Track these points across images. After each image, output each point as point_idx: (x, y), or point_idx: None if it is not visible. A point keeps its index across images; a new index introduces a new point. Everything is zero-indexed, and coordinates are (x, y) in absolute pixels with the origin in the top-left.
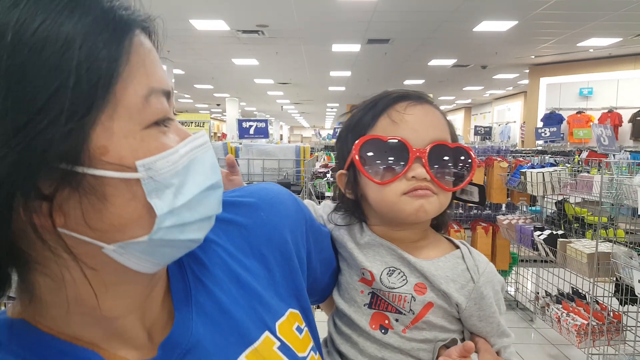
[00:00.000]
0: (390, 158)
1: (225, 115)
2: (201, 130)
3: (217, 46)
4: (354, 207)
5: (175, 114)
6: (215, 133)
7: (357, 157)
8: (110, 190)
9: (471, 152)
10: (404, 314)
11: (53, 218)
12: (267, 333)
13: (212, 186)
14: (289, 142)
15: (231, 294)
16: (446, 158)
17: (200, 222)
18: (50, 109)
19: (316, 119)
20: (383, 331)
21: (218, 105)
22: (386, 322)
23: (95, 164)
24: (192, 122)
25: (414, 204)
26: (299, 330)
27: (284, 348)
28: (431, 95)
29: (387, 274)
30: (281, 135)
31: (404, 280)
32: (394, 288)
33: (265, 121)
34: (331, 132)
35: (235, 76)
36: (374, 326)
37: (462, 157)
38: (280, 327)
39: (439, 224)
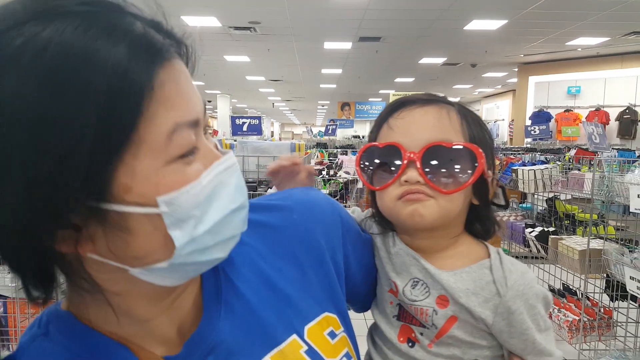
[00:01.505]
0: (386, 164)
1: (216, 112)
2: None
3: (209, 43)
4: (381, 217)
5: (208, 128)
6: None
7: (358, 167)
8: (133, 224)
9: (477, 151)
10: (428, 328)
11: (79, 246)
12: (294, 336)
13: (236, 209)
14: (280, 139)
15: (260, 295)
16: (445, 159)
17: (222, 243)
18: (74, 155)
19: (307, 116)
20: (410, 344)
21: (209, 102)
22: (413, 335)
23: (118, 201)
24: None
25: (408, 208)
26: (332, 335)
27: (311, 352)
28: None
29: (411, 286)
30: (272, 132)
31: (426, 292)
32: (415, 301)
33: (259, 118)
34: (322, 129)
35: (227, 73)
36: (401, 339)
37: (466, 157)
38: (310, 330)
39: (483, 232)
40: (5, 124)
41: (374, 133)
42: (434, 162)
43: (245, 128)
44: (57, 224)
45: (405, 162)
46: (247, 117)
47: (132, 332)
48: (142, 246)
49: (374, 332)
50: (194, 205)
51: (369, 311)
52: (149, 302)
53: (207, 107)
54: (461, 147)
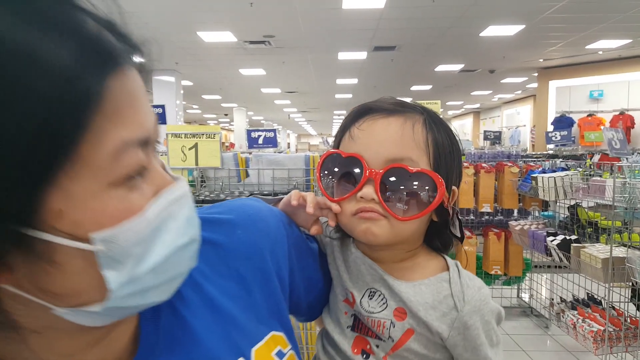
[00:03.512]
0: (345, 176)
1: (233, 125)
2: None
3: (225, 57)
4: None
5: (158, 144)
6: (223, 143)
7: (319, 172)
8: (61, 258)
9: (437, 180)
10: (384, 341)
11: None
12: None
13: (184, 245)
14: (296, 150)
15: (204, 319)
16: (404, 183)
17: (166, 283)
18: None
19: (323, 127)
20: (364, 356)
21: (226, 115)
22: (368, 347)
23: (46, 228)
24: (202, 134)
25: (362, 226)
26: (280, 354)
27: None
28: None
29: (368, 296)
30: (288, 144)
31: (384, 304)
32: (372, 313)
33: (274, 131)
34: None
35: (243, 86)
36: (355, 350)
37: (426, 184)
38: (257, 352)
39: (441, 246)
40: None
41: (337, 138)
42: (393, 184)
43: (260, 141)
44: None
45: (365, 179)
46: (262, 130)
47: None
48: (70, 284)
49: (325, 338)
50: (136, 243)
51: None
52: (74, 338)
53: (223, 120)
54: (422, 173)
